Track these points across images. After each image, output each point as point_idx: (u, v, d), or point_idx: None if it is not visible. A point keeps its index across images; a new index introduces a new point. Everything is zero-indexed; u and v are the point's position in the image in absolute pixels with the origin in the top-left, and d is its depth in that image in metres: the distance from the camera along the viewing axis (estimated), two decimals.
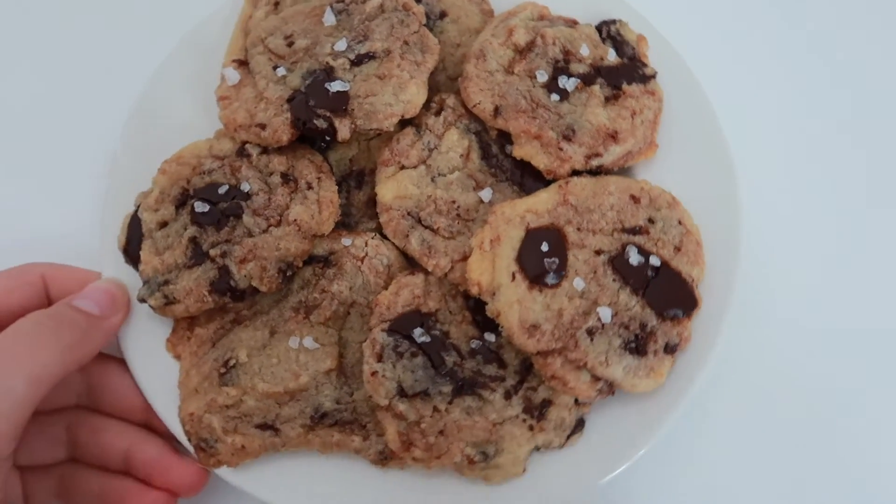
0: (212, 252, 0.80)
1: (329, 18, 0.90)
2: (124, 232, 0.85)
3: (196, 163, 0.87)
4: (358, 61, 0.87)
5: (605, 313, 0.78)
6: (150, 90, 0.94)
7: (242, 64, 0.91)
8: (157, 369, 0.82)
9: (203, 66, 0.96)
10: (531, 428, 0.78)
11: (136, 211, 0.85)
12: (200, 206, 0.83)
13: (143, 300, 0.81)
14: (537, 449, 0.79)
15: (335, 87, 0.85)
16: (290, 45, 0.90)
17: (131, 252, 0.84)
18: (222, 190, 0.84)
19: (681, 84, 0.92)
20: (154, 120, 0.93)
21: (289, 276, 0.82)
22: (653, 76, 0.92)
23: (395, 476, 0.80)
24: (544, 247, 0.80)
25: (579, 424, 0.80)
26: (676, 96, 0.92)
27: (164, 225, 0.84)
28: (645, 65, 0.93)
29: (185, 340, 0.83)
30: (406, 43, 0.89)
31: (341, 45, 0.88)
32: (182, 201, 0.85)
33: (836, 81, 1.14)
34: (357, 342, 0.83)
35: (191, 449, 0.78)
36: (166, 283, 0.81)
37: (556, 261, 0.80)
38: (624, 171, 0.91)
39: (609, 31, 0.94)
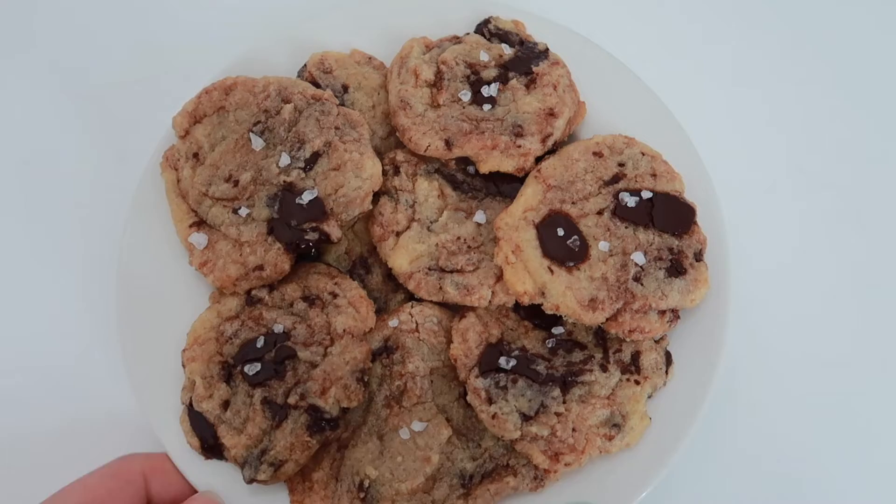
0: (290, 400, 0.81)
1: (257, 143, 0.91)
2: (190, 433, 0.83)
3: (215, 335, 0.86)
4: (308, 166, 0.89)
5: (638, 257, 0.87)
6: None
7: (200, 225, 0.90)
8: None
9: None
10: (637, 382, 0.85)
11: (190, 408, 0.83)
12: (252, 368, 0.82)
13: (252, 481, 0.80)
14: (649, 397, 0.87)
15: (306, 197, 0.87)
16: (235, 184, 0.90)
17: (209, 446, 0.82)
18: (260, 343, 0.84)
19: (572, 46, 1.01)
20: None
21: (367, 380, 0.83)
22: (546, 49, 1.01)
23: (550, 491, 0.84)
24: (560, 232, 0.87)
25: (669, 358, 0.88)
26: (573, 58, 1.01)
27: (226, 405, 0.83)
28: (535, 43, 1.01)
29: (308, 493, 0.82)
30: (337, 128, 0.92)
31: (284, 160, 0.89)
32: (229, 374, 0.84)
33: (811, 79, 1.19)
34: (453, 401, 0.86)
35: None
36: (264, 452, 0.80)
37: (576, 237, 0.87)
38: (572, 138, 1.00)
39: (490, 31, 1.02)
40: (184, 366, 0.85)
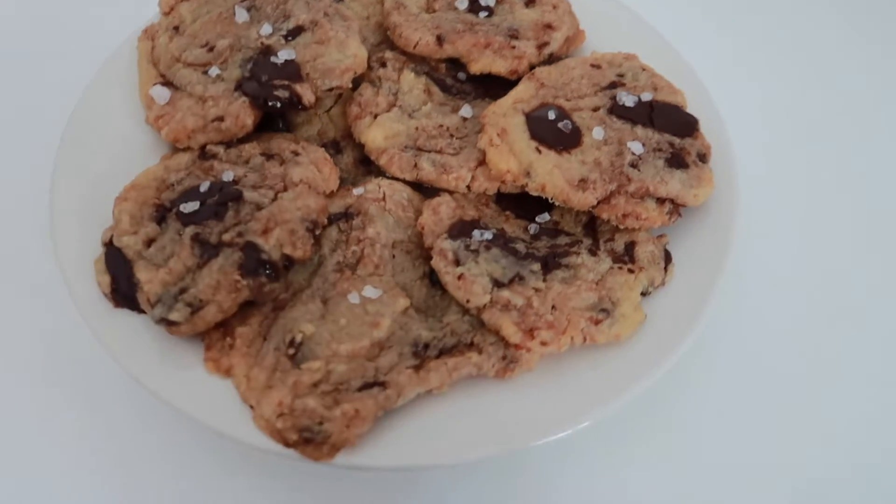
0: (226, 238, 0.69)
1: (241, 15, 0.87)
2: (103, 271, 0.70)
3: (157, 183, 0.77)
4: (291, 36, 0.85)
5: (635, 146, 0.79)
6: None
7: (166, 84, 0.84)
8: (207, 398, 0.66)
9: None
10: (631, 271, 0.73)
11: (109, 245, 0.71)
12: (190, 207, 0.72)
13: (162, 320, 0.66)
14: (644, 294, 0.74)
15: (282, 56, 0.81)
16: (210, 50, 0.85)
17: (122, 289, 0.70)
18: (204, 187, 0.74)
19: None
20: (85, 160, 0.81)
21: (317, 235, 0.72)
22: None
23: (523, 384, 0.69)
24: (550, 115, 0.80)
25: (668, 256, 0.77)
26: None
27: (151, 243, 0.71)
28: None
29: (227, 350, 0.68)
30: (326, 14, 0.89)
31: (266, 29, 0.85)
32: (162, 216, 0.73)
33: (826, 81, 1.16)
34: (416, 280, 0.74)
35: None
36: (183, 291, 0.67)
37: (568, 122, 0.80)
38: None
39: None
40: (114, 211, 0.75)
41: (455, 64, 0.91)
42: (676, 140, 0.81)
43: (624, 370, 0.69)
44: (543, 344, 0.67)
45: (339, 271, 0.72)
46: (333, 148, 0.85)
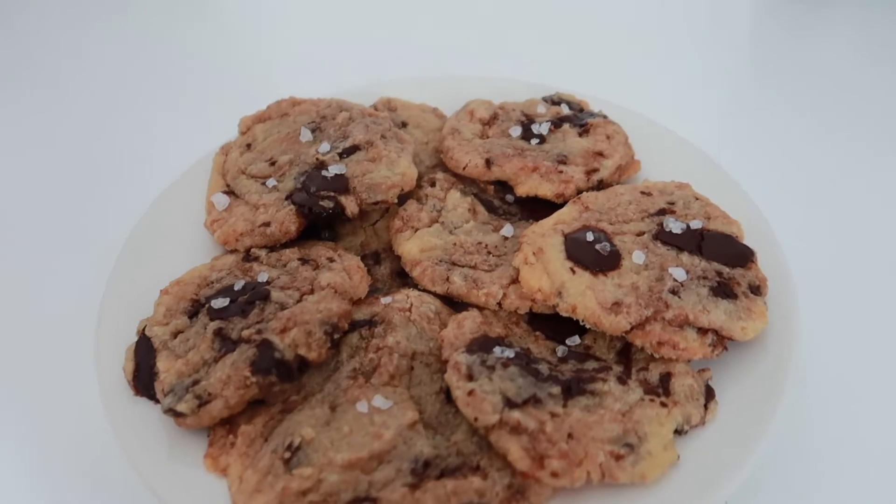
0: (245, 334, 0.70)
1: (306, 135, 0.94)
2: (130, 358, 0.73)
3: (200, 280, 0.80)
4: (346, 153, 0.90)
5: (678, 272, 0.74)
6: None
7: (228, 193, 0.90)
8: (199, 497, 0.64)
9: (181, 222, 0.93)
10: (664, 405, 0.67)
11: (141, 334, 0.74)
12: (220, 303, 0.74)
13: (170, 411, 0.66)
14: (679, 433, 0.66)
15: (333, 170, 0.86)
16: (272, 164, 0.91)
17: (142, 377, 0.71)
18: (238, 286, 0.76)
19: (637, 127, 1.01)
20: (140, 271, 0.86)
21: (336, 339, 0.72)
22: (605, 116, 1.01)
23: None
24: (589, 237, 0.78)
25: (710, 392, 0.69)
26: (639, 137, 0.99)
27: (178, 335, 0.73)
28: (594, 112, 1.02)
29: (228, 448, 0.66)
30: (383, 136, 0.94)
31: (325, 147, 0.91)
32: (195, 311, 0.76)
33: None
34: (432, 394, 0.71)
35: None
36: (195, 383, 0.68)
37: (607, 244, 0.77)
38: None
39: (553, 99, 1.05)
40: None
41: (503, 186, 0.92)
42: (726, 269, 0.76)
43: None
44: (554, 475, 0.61)
45: (353, 378, 0.71)
46: (373, 259, 0.87)
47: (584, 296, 0.73)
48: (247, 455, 0.65)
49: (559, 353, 0.73)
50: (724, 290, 0.73)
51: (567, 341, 0.75)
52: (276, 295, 0.74)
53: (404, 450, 0.64)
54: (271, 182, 0.88)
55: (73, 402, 0.83)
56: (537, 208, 0.90)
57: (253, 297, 0.74)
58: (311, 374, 0.72)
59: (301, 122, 0.97)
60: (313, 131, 0.95)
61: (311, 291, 0.75)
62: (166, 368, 0.69)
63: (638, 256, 0.76)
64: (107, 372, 0.73)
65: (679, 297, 0.72)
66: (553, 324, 0.77)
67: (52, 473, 0.78)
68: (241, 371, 0.67)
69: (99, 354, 0.74)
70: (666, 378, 0.69)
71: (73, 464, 0.78)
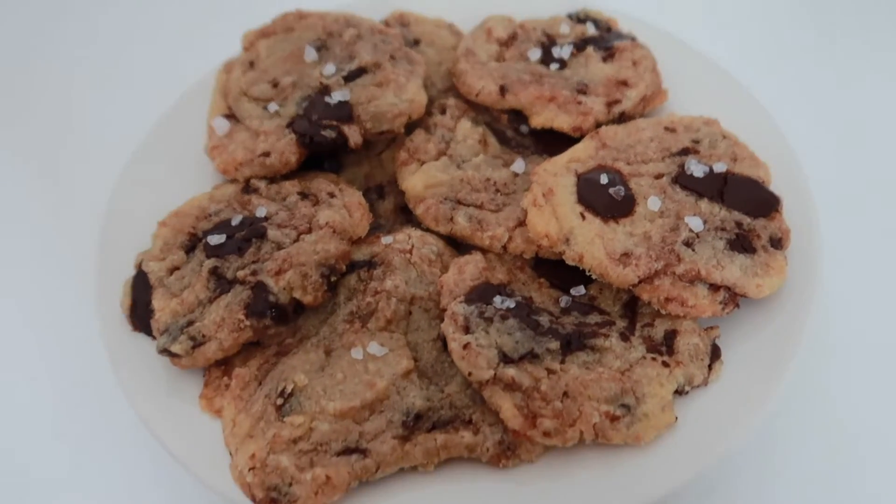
0: (240, 274, 0.69)
1: (310, 54, 0.88)
2: (128, 293, 0.72)
3: (198, 212, 0.78)
4: (351, 77, 0.84)
5: (694, 222, 0.70)
6: (131, 170, 0.86)
7: (229, 116, 0.86)
8: (193, 437, 0.65)
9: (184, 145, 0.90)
10: (665, 364, 0.65)
11: (138, 269, 0.73)
12: (216, 239, 0.72)
13: (164, 351, 0.66)
14: (679, 393, 0.65)
15: (336, 97, 0.81)
16: (275, 86, 0.86)
17: (139, 314, 0.71)
18: (236, 221, 0.74)
19: (667, 49, 0.93)
20: (141, 194, 0.84)
21: (333, 282, 0.70)
22: (634, 37, 0.93)
23: (519, 477, 0.62)
24: (603, 179, 0.73)
25: (716, 352, 0.67)
26: (668, 61, 0.91)
27: (175, 271, 0.72)
28: (623, 33, 0.94)
29: (222, 390, 0.67)
30: (392, 57, 0.88)
31: (329, 69, 0.85)
32: (192, 245, 0.74)
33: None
34: (429, 341, 0.70)
35: None
36: (190, 323, 0.67)
37: (622, 188, 0.73)
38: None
39: (579, 16, 0.96)
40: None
41: (518, 116, 0.86)
42: (747, 220, 0.71)
43: (638, 479, 0.60)
44: (546, 434, 0.60)
45: (350, 322, 0.69)
46: (377, 192, 0.83)
47: (592, 244, 0.69)
48: (240, 398, 0.65)
49: (562, 304, 0.70)
50: (742, 243, 0.69)
51: (571, 291, 0.72)
52: (272, 233, 0.71)
53: (397, 400, 0.64)
54: (273, 107, 0.84)
55: (74, 333, 0.83)
56: (552, 141, 0.85)
57: (250, 235, 0.72)
58: (307, 316, 0.71)
59: (306, 39, 0.91)
60: (318, 49, 0.89)
61: (310, 230, 0.72)
62: (162, 307, 0.68)
63: (653, 202, 0.72)
64: (106, 305, 0.73)
65: (692, 250, 0.68)
66: (559, 270, 0.74)
67: (53, 405, 0.80)
68: (236, 314, 0.66)
69: (99, 288, 0.74)
70: (671, 336, 0.67)
71: (74, 396, 0.80)
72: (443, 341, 0.69)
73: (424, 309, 0.71)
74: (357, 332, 0.68)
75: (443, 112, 0.87)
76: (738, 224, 0.71)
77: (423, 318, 0.71)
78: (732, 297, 0.67)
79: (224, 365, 0.68)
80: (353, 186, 0.82)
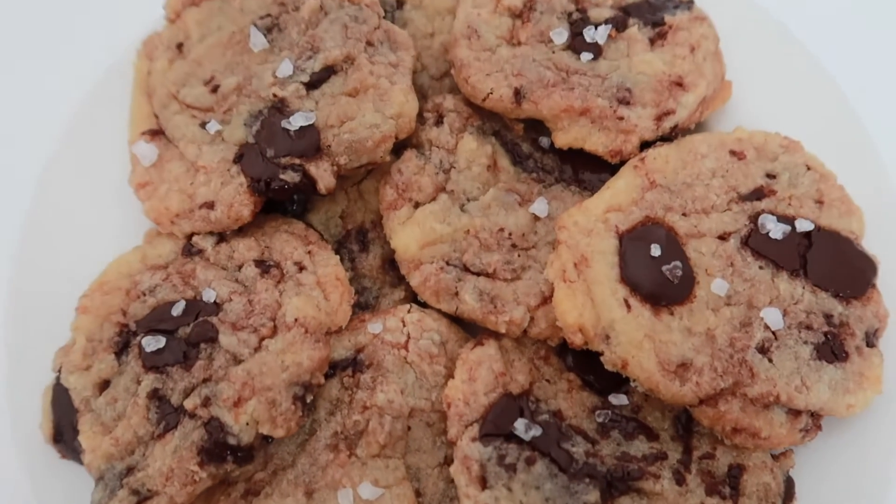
0: (187, 404, 0.53)
1: (257, 40, 0.66)
2: (48, 416, 0.57)
3: (128, 284, 0.60)
4: (315, 82, 0.63)
5: (772, 317, 0.54)
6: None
7: (156, 134, 0.65)
8: None
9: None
10: None
11: (57, 381, 0.57)
12: (151, 343, 0.56)
13: None
14: None
15: (296, 121, 0.60)
16: (214, 90, 0.65)
17: (66, 440, 0.56)
18: (177, 310, 0.57)
19: (729, 7, 0.70)
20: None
21: (310, 403, 0.55)
22: (690, 4, 0.70)
23: None
24: (654, 250, 0.56)
25: (789, 487, 0.54)
26: (729, 22, 0.70)
27: (104, 386, 0.56)
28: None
29: None
30: (370, 44, 0.65)
31: (285, 68, 0.63)
32: (123, 344, 0.58)
33: None
34: (434, 467, 0.56)
35: None
36: (130, 470, 0.53)
37: (678, 264, 0.56)
38: (701, 128, 0.69)
39: None
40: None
41: (537, 125, 0.66)
42: (837, 310, 0.55)
43: None
44: None
45: (334, 448, 0.55)
46: (358, 241, 0.65)
47: (640, 349, 0.54)
48: None
49: (599, 419, 0.56)
50: (832, 347, 0.54)
51: (611, 399, 0.57)
52: (226, 340, 0.55)
53: None
54: (213, 126, 0.63)
55: None
56: (582, 161, 0.66)
57: (197, 338, 0.56)
58: (280, 442, 0.56)
59: (250, 14, 0.68)
60: (268, 31, 0.66)
61: (274, 332, 0.56)
62: (92, 448, 0.53)
63: (719, 286, 0.55)
64: (22, 423, 0.58)
65: (769, 361, 0.53)
66: (593, 361, 0.59)
67: None
68: (187, 463, 0.52)
69: (11, 399, 0.58)
70: (737, 472, 0.54)
71: None
72: (450, 465, 0.56)
73: (427, 423, 0.57)
74: (343, 464, 0.55)
75: (438, 122, 0.66)
76: (828, 317, 0.55)
77: (425, 434, 0.57)
78: (816, 422, 0.54)
79: None
80: (328, 237, 0.64)
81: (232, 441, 0.52)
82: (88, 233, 0.66)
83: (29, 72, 0.75)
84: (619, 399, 0.57)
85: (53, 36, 0.76)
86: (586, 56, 0.65)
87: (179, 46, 0.69)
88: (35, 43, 0.76)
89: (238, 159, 0.61)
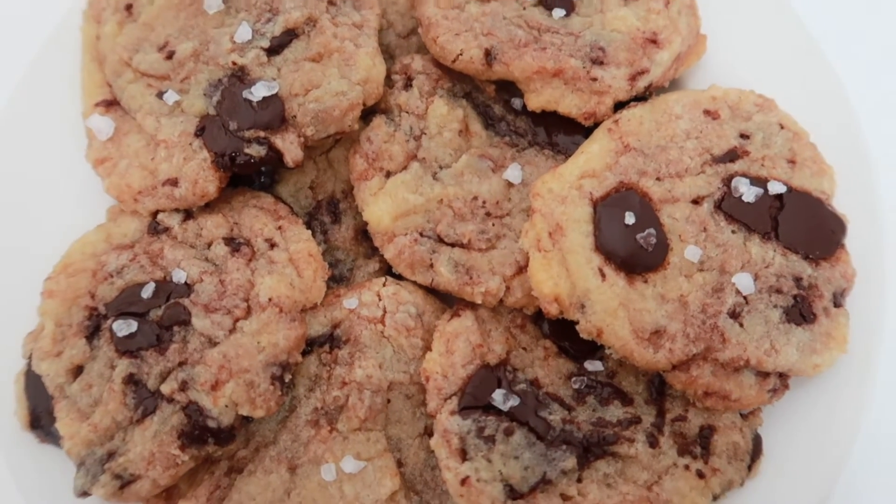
0: (165, 389, 0.53)
1: (212, 2, 0.62)
2: (22, 403, 0.56)
3: (94, 265, 0.59)
4: (276, 47, 0.60)
5: (743, 281, 0.55)
6: None
7: (111, 105, 0.62)
8: None
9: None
10: (701, 475, 0.54)
11: (29, 368, 0.56)
12: (123, 327, 0.55)
13: (84, 494, 0.53)
14: (716, 499, 0.55)
15: (258, 91, 0.58)
16: (169, 56, 0.61)
17: (44, 426, 0.56)
18: (147, 292, 0.56)
19: None
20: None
21: (288, 382, 0.55)
22: None
23: None
24: (628, 218, 0.56)
25: (757, 445, 0.56)
26: None
27: (77, 372, 0.56)
28: None
29: None
30: (332, 3, 0.62)
31: (243, 32, 0.60)
32: (93, 328, 0.57)
33: None
34: (414, 437, 0.57)
35: None
36: (111, 455, 0.53)
37: (652, 231, 0.56)
38: (676, 85, 0.67)
39: None
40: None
41: (509, 86, 0.65)
42: (807, 271, 0.56)
43: None
44: None
45: (315, 424, 0.56)
46: (330, 213, 0.64)
47: (614, 317, 0.54)
48: None
49: (575, 385, 0.57)
50: (800, 310, 0.55)
51: (586, 364, 0.58)
52: (199, 323, 0.54)
53: None
54: (171, 97, 0.60)
55: None
56: (555, 123, 0.65)
57: (169, 321, 0.55)
58: (262, 419, 0.56)
59: None
60: None
61: (248, 313, 0.55)
62: (70, 434, 0.53)
63: (692, 252, 0.56)
64: None
65: (740, 325, 0.54)
66: (569, 329, 0.59)
67: None
68: (168, 447, 0.52)
69: None
70: (707, 433, 0.56)
71: None
72: (430, 438, 0.57)
73: (406, 395, 0.58)
74: (325, 439, 0.55)
75: (408, 85, 0.64)
76: (797, 280, 0.56)
77: (404, 406, 0.58)
78: (784, 382, 0.55)
79: (165, 492, 0.55)
80: (298, 209, 0.63)
81: (212, 424, 0.52)
82: (47, 212, 0.64)
83: None
84: (594, 365, 0.58)
85: None
86: (558, 12, 0.63)
87: (129, 8, 0.65)
88: None
89: (200, 132, 0.58)
